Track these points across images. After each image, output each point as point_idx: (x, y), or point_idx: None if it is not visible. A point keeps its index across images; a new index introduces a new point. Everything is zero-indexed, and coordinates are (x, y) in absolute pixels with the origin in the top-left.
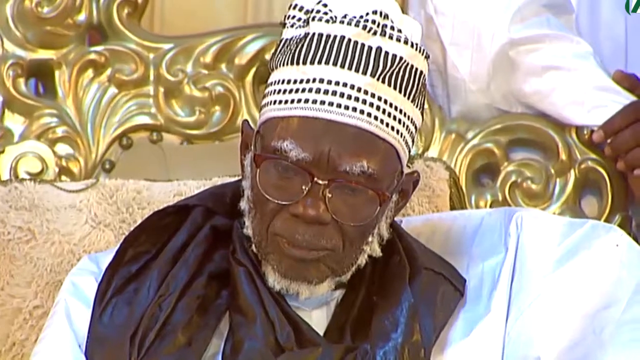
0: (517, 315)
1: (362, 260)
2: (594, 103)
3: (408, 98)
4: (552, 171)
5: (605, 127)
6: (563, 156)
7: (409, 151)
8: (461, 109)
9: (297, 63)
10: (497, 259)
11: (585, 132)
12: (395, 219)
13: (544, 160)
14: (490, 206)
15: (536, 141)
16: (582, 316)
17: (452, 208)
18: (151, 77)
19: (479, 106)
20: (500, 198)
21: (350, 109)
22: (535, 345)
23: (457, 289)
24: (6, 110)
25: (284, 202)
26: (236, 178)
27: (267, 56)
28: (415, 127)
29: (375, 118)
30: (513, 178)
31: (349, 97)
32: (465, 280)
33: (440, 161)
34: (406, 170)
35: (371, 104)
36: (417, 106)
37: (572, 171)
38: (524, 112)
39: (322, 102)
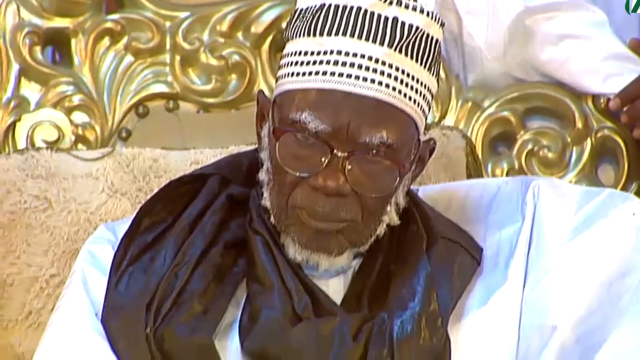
0: (534, 283)
1: (381, 230)
2: (609, 71)
3: (424, 67)
4: (569, 139)
5: (622, 95)
6: (579, 124)
7: (426, 119)
8: (477, 78)
9: (314, 34)
10: (514, 228)
11: (601, 100)
12: (412, 187)
13: (560, 128)
14: (507, 174)
15: (552, 110)
16: (599, 284)
17: (469, 176)
18: (167, 46)
19: (495, 75)
20: (516, 166)
21: (369, 80)
22: (552, 313)
23: (474, 257)
24: (22, 79)
25: (303, 175)
26: (252, 147)
27: (284, 24)
28: (432, 95)
29: (393, 89)
30: (529, 146)
31: (367, 68)
32: (482, 249)
33: (457, 130)
34: (423, 138)
35: (389, 75)
36: (433, 74)
37: (588, 139)
38: (540, 81)
39: (340, 74)
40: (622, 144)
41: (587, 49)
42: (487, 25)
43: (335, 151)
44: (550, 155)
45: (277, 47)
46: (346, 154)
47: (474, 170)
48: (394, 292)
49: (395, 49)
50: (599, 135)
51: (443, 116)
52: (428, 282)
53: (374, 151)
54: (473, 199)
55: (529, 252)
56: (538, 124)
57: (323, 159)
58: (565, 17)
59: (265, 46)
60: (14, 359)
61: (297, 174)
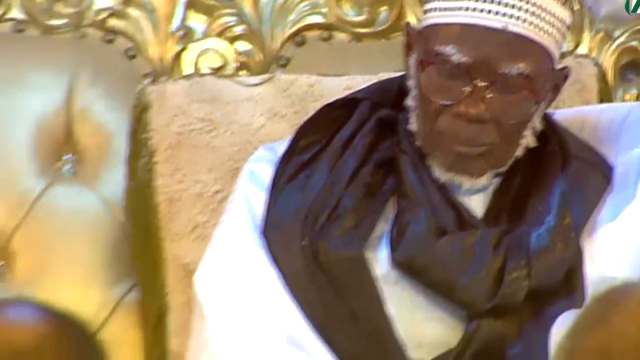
0: None
1: (520, 152)
2: None
3: (565, 7)
4: None
5: None
6: None
7: (560, 49)
8: (609, 10)
9: None
10: None
11: None
12: (547, 111)
13: None
14: (636, 100)
15: None
16: None
17: (600, 101)
18: None
19: (620, 11)
20: None
21: (507, 15)
22: None
23: (605, 176)
24: (189, 11)
25: (446, 103)
26: (400, 73)
27: None
28: (566, 27)
29: (530, 23)
30: None
31: (506, 4)
32: (613, 168)
33: (590, 58)
34: (558, 67)
35: (526, 10)
36: (567, 8)
37: None
38: None
39: (481, 10)
40: None
41: None
42: None
43: (476, 82)
44: None
45: None
46: (486, 84)
47: (605, 95)
48: (531, 208)
49: None
50: None
51: (576, 46)
52: (562, 200)
53: (513, 81)
54: (605, 122)
55: None
56: None
57: (465, 89)
58: None
59: None
60: (180, 269)
61: (441, 102)
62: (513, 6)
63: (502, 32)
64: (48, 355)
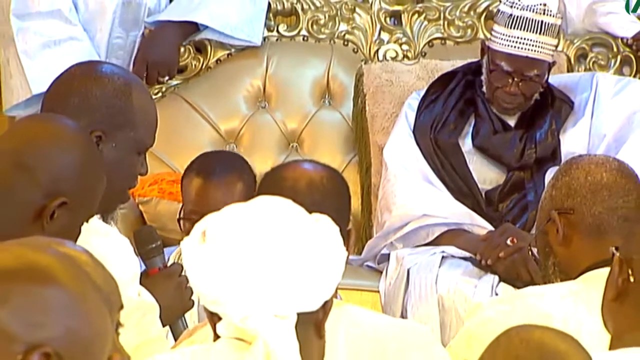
0: (595, 116)
1: (532, 101)
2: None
3: (553, 37)
4: (610, 57)
5: (636, 37)
6: (618, 50)
7: (553, 57)
8: (571, 31)
9: (507, 27)
10: (587, 93)
11: (625, 40)
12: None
13: (606, 51)
14: (584, 71)
15: (601, 43)
16: (625, 117)
17: (568, 72)
18: None
19: (579, 28)
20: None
21: (527, 50)
22: (603, 128)
23: (570, 106)
24: (381, 31)
25: (500, 85)
26: (477, 60)
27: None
28: (555, 47)
29: (538, 52)
30: (591, 62)
31: (526, 43)
32: (573, 102)
33: (563, 52)
34: (551, 62)
35: (537, 45)
36: (555, 38)
37: (619, 57)
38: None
39: (515, 47)
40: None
41: (619, 17)
42: (576, 8)
43: (514, 78)
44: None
45: (491, 16)
46: (519, 80)
47: (569, 70)
48: (537, 122)
49: (541, 34)
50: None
51: (556, 46)
52: (551, 118)
53: (530, 78)
54: (569, 82)
55: (594, 103)
56: (597, 49)
57: (509, 81)
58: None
59: (486, 16)
60: (376, 147)
61: (498, 85)
62: (534, 45)
63: (526, 57)
64: (343, 187)
